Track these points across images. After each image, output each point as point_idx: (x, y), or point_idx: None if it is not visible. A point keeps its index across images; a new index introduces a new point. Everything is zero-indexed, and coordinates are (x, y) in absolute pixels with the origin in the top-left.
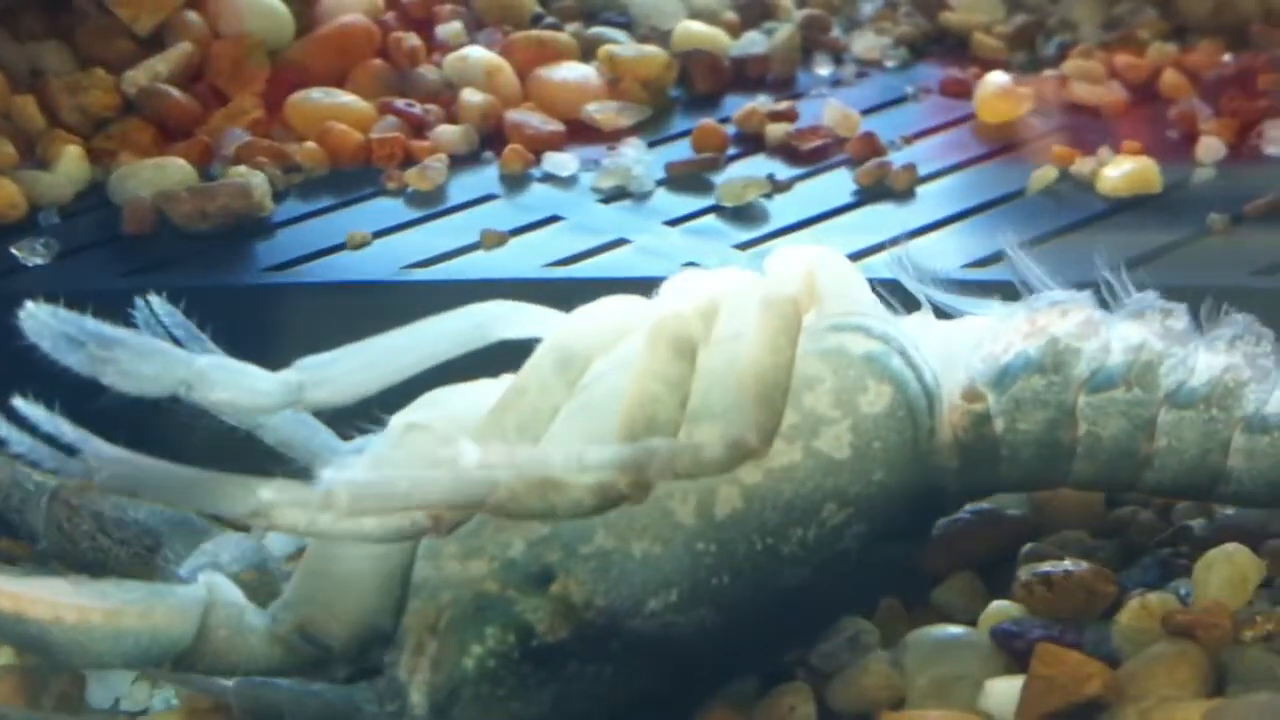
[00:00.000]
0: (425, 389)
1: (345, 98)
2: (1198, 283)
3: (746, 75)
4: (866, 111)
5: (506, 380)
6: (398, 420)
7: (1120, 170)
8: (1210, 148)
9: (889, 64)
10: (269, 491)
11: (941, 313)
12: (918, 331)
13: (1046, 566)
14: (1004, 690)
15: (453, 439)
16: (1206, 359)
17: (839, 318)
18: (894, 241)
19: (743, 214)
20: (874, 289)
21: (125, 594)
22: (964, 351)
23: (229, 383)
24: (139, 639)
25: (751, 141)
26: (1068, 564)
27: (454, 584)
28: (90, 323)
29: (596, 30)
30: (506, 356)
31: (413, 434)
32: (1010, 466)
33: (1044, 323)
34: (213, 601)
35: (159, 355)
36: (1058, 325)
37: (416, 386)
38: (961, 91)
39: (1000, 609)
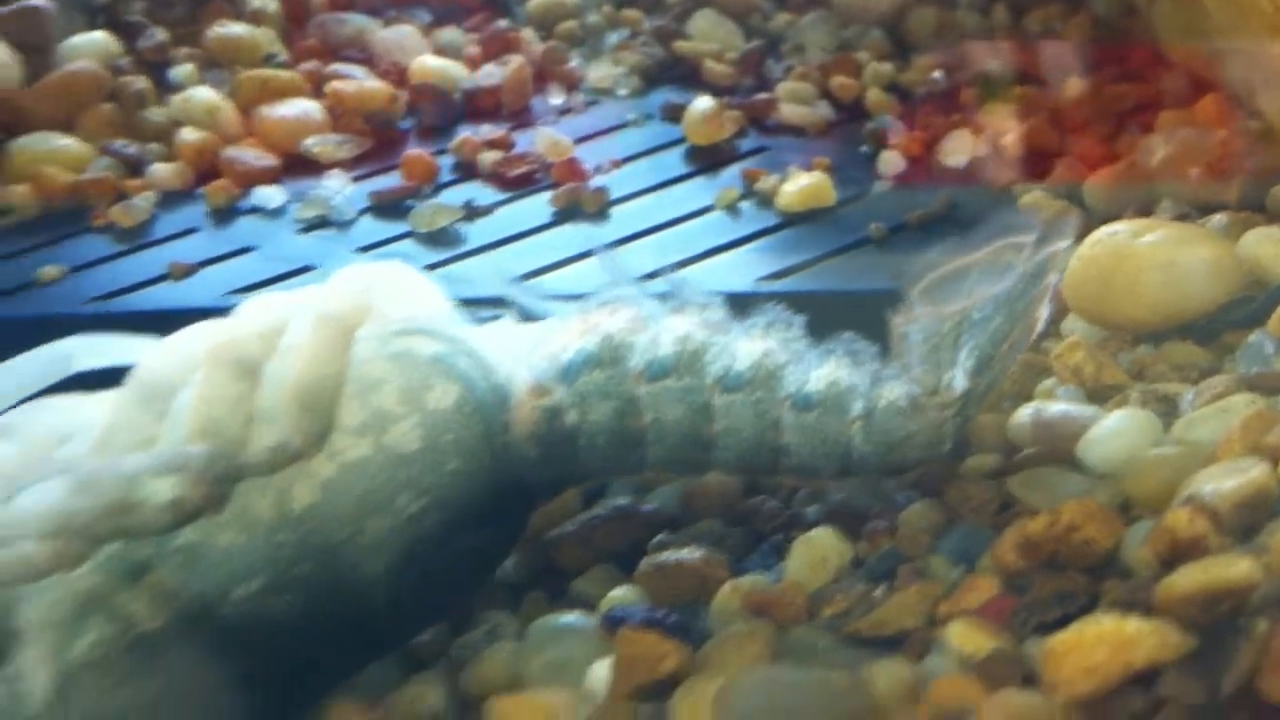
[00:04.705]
0: None
1: (63, 141)
2: (843, 289)
3: (480, 106)
4: (585, 138)
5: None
6: None
7: (796, 186)
8: (890, 162)
9: (621, 93)
10: None
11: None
12: (498, 336)
13: (664, 556)
14: (603, 672)
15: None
16: (747, 346)
17: (406, 324)
18: (583, 256)
19: (437, 239)
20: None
21: None
22: (531, 352)
23: None
24: None
25: (466, 169)
26: (683, 553)
27: (63, 581)
28: None
29: (334, 67)
30: None
31: None
32: (589, 454)
33: (596, 321)
34: None
35: None
36: (608, 322)
37: None
38: (680, 117)
39: (619, 596)
